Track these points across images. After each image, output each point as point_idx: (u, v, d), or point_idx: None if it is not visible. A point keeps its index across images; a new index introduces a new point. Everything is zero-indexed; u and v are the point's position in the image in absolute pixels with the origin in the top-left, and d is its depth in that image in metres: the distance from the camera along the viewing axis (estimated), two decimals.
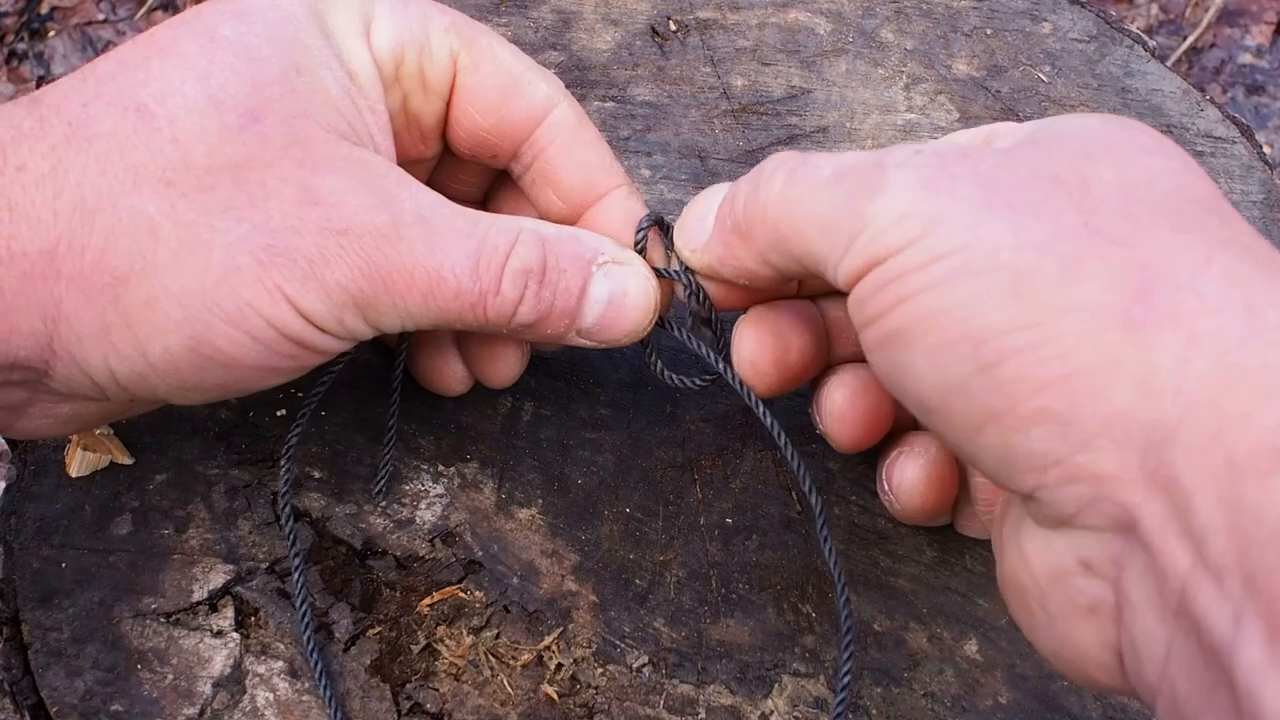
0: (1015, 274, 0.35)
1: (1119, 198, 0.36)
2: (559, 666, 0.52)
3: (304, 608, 0.51)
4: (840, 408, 0.49)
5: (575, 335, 0.48)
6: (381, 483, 0.53)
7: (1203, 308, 0.33)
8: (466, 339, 0.53)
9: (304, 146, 0.43)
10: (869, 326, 0.39)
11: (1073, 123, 0.40)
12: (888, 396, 0.49)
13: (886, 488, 0.51)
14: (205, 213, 0.41)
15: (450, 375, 0.53)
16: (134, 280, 0.41)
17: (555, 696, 0.51)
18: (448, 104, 0.49)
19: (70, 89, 0.43)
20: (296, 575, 0.51)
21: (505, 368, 0.52)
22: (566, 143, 0.49)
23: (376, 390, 0.56)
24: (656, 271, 0.49)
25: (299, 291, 0.42)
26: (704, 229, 0.46)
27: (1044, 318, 0.34)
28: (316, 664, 0.50)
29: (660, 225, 0.50)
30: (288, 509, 0.52)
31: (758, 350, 0.48)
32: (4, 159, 0.41)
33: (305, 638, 0.50)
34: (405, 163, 0.47)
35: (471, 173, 0.54)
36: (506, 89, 0.49)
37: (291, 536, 0.52)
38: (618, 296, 0.47)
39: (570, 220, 0.50)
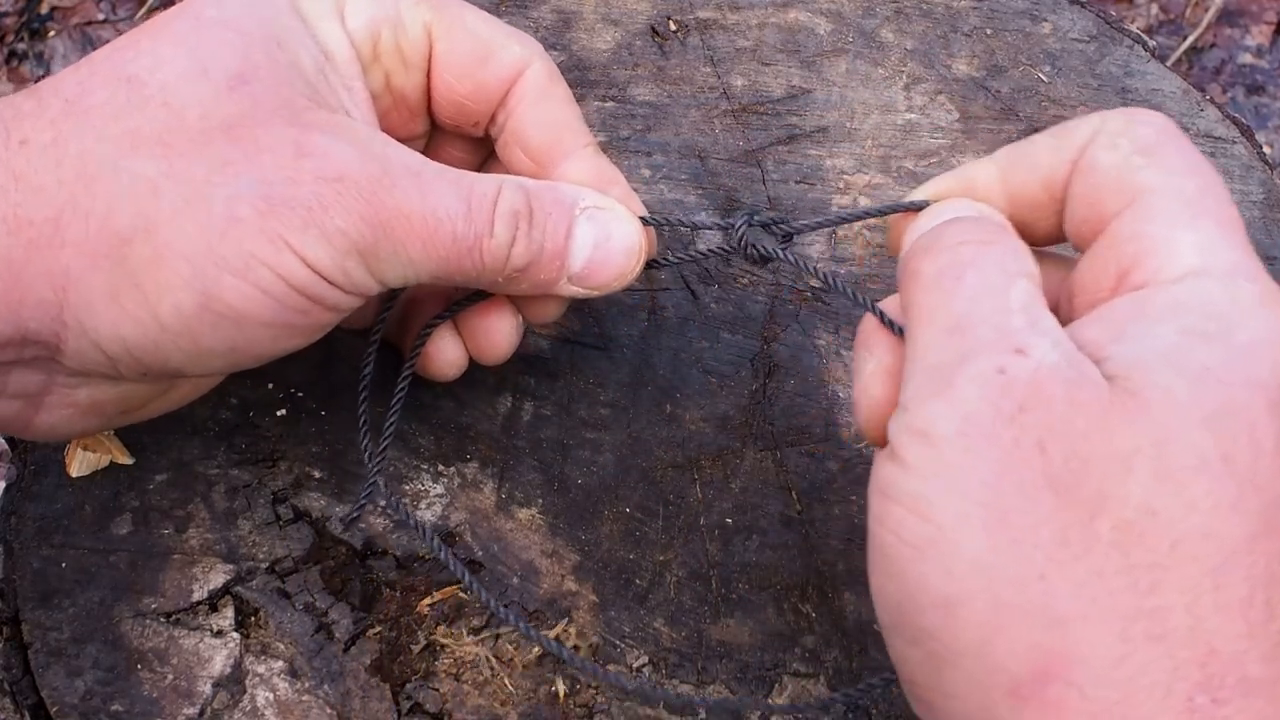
0: (956, 592, 0.36)
1: (1106, 552, 0.35)
2: (560, 663, 0.52)
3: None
4: None
5: (567, 283, 0.48)
6: (356, 511, 0.52)
7: (1086, 710, 0.34)
8: (460, 316, 0.53)
9: (291, 108, 0.44)
10: (869, 509, 0.40)
11: (1160, 385, 0.36)
12: None
13: None
14: (203, 169, 0.42)
15: (444, 356, 0.53)
16: (139, 240, 0.41)
17: (561, 694, 0.51)
18: (428, 76, 0.50)
19: (66, 73, 0.44)
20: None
21: (501, 339, 0.52)
22: (535, 101, 0.50)
23: (377, 391, 0.56)
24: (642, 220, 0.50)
25: (301, 240, 0.42)
26: (905, 246, 0.46)
27: (955, 648, 0.36)
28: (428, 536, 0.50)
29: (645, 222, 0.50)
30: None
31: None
32: (7, 134, 0.42)
33: (432, 541, 0.50)
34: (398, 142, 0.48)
35: (461, 152, 0.55)
36: (480, 54, 0.49)
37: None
38: (602, 239, 0.48)
39: (539, 179, 0.51)
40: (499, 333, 0.52)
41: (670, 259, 0.52)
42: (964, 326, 0.38)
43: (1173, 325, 0.37)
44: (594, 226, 0.48)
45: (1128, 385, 0.36)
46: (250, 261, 0.42)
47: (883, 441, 0.44)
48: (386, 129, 0.49)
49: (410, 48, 0.49)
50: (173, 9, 0.46)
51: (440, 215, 0.44)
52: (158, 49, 0.44)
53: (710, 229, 0.52)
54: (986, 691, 0.35)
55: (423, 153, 0.54)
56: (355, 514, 0.51)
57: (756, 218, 0.50)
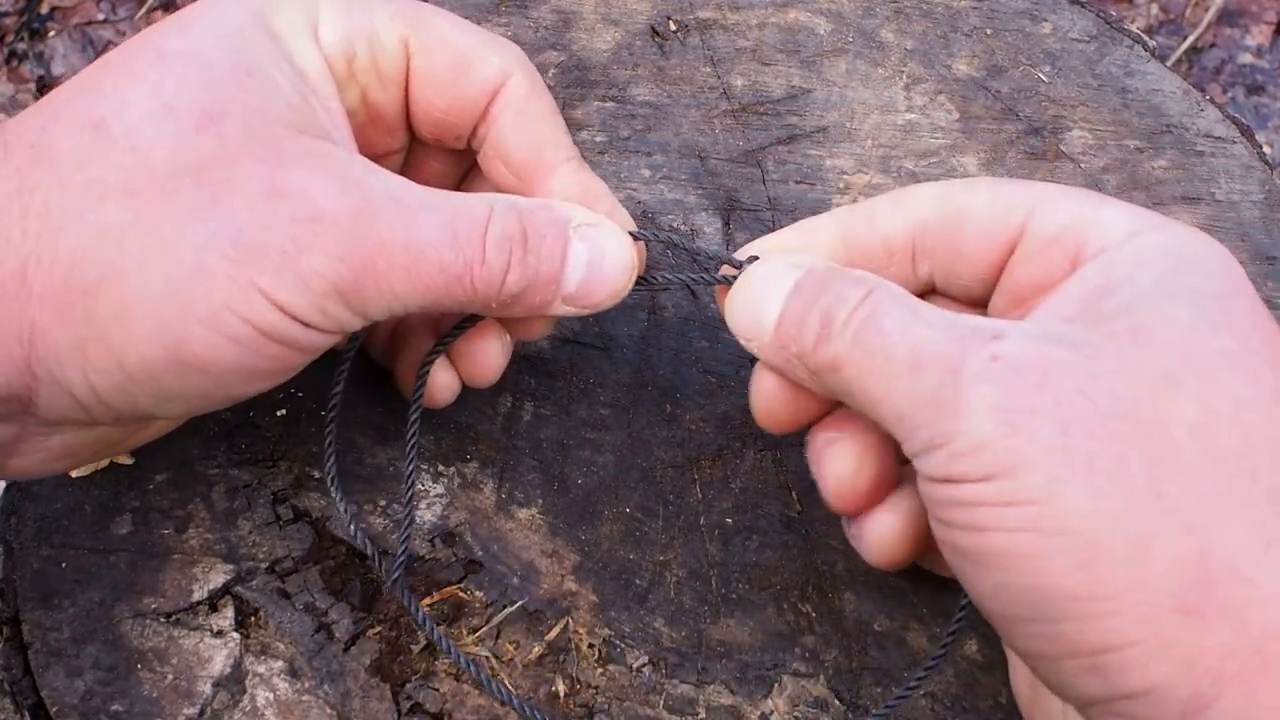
0: (1086, 545, 0.36)
1: (1195, 453, 0.36)
2: (560, 663, 0.52)
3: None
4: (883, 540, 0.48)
5: (561, 304, 0.47)
6: (397, 573, 0.51)
7: (1255, 599, 0.35)
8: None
9: (264, 143, 0.42)
10: (939, 522, 0.40)
11: (1166, 311, 0.39)
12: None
13: (856, 537, 0.49)
14: (170, 218, 0.41)
15: (438, 384, 0.52)
16: (103, 292, 0.40)
17: (561, 694, 0.51)
18: (406, 91, 0.49)
19: (31, 116, 0.43)
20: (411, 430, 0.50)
21: (490, 361, 0.51)
22: (516, 114, 0.49)
23: (377, 390, 0.56)
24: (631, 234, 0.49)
25: (274, 285, 0.41)
26: (763, 327, 0.45)
27: (1109, 593, 0.36)
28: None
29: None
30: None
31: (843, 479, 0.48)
32: None
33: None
34: (374, 158, 0.47)
35: (442, 163, 0.54)
36: (458, 67, 0.48)
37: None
38: (597, 258, 0.47)
39: (521, 195, 0.49)
40: (488, 356, 0.51)
41: (657, 278, 0.51)
42: (922, 356, 0.39)
43: (1149, 270, 0.40)
44: (587, 246, 0.47)
45: (1131, 323, 0.38)
46: (220, 311, 0.41)
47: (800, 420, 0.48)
48: (362, 146, 0.48)
49: (387, 64, 0.48)
50: (134, 41, 0.45)
51: (424, 246, 0.43)
52: (121, 90, 0.43)
53: (696, 252, 0.51)
54: (1158, 621, 0.35)
55: (401, 167, 0.52)
56: (395, 575, 0.50)
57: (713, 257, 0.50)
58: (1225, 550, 0.35)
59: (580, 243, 0.47)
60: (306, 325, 0.42)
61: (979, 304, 0.47)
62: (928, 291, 0.48)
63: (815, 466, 0.48)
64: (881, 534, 0.47)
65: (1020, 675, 0.47)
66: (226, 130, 0.42)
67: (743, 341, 0.46)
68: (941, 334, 0.39)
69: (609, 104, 0.63)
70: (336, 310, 0.43)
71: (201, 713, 0.51)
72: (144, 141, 0.41)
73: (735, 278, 0.47)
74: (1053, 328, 0.39)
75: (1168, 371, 0.37)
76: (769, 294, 0.45)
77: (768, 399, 0.47)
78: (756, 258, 0.47)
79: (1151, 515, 0.36)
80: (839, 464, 0.47)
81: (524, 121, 0.49)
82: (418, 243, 0.43)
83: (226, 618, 0.52)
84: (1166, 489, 0.36)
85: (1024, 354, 0.38)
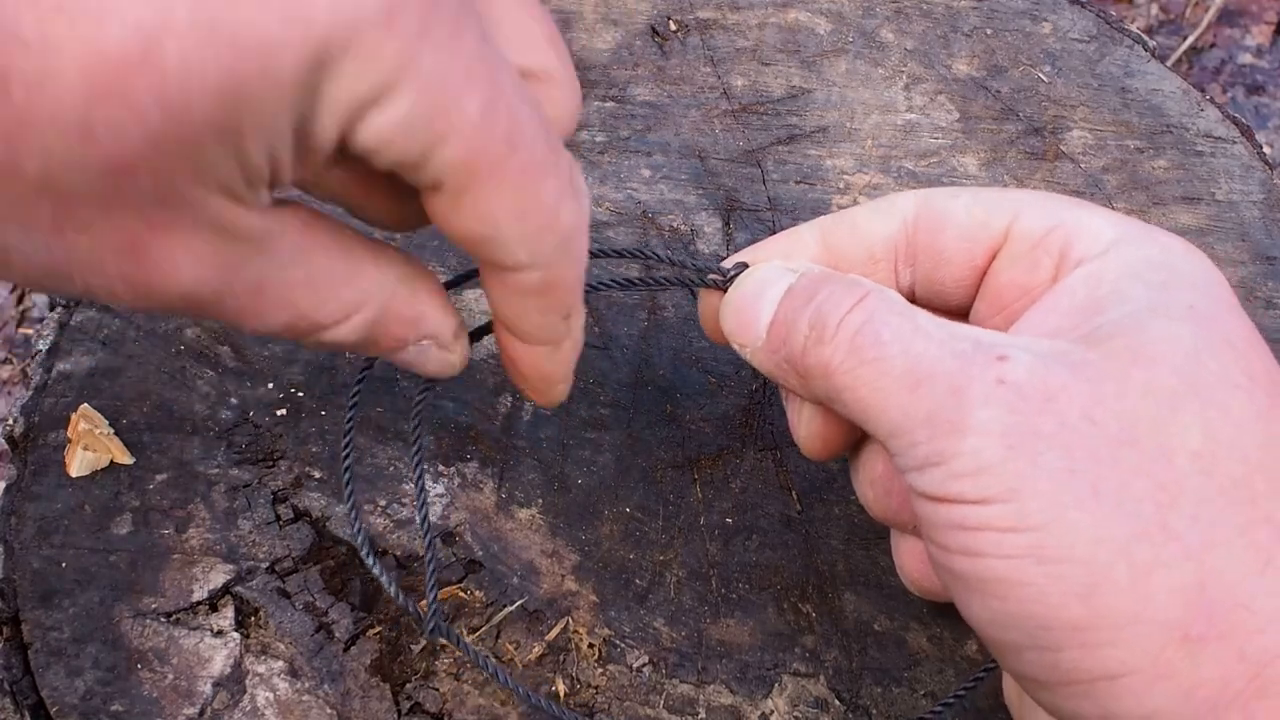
0: (1088, 574, 0.36)
1: (1197, 480, 0.36)
2: (560, 663, 0.52)
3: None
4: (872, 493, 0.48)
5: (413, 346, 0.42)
6: (433, 622, 0.47)
7: (1253, 625, 0.35)
8: None
9: None
10: (934, 544, 0.39)
11: (1166, 331, 0.38)
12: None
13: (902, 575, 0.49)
14: None
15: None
16: None
17: (561, 694, 0.51)
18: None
19: None
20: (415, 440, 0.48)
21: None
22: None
23: (378, 390, 0.56)
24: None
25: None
26: (756, 332, 0.44)
27: (1111, 623, 0.36)
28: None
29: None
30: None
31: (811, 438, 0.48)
32: None
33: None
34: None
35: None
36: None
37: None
38: (419, 361, 0.42)
39: None
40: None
41: (651, 279, 0.49)
42: (922, 373, 0.38)
43: (1139, 285, 0.40)
44: (418, 354, 0.42)
45: (1130, 342, 0.38)
46: None
47: (823, 456, 0.47)
48: None
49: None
50: None
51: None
52: None
53: (682, 262, 0.48)
54: (1159, 651, 0.35)
55: None
56: (432, 624, 0.47)
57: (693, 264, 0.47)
58: (1224, 577, 0.35)
59: (414, 350, 0.42)
60: (151, 69, 0.30)
61: (960, 312, 0.47)
62: (908, 300, 0.48)
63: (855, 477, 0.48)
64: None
65: (1011, 684, 0.47)
66: None
67: (736, 347, 0.46)
68: (942, 348, 0.39)
69: (609, 104, 0.63)
70: (200, 83, 0.29)
71: (201, 713, 0.51)
72: None
73: (719, 283, 0.47)
74: (1054, 346, 0.39)
75: (1171, 395, 0.37)
76: (764, 297, 0.45)
77: (806, 425, 0.47)
78: (745, 264, 0.47)
79: (1155, 543, 0.36)
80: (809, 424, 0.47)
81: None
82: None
83: (226, 618, 0.52)
84: (1169, 516, 0.36)
85: (1030, 377, 0.37)
